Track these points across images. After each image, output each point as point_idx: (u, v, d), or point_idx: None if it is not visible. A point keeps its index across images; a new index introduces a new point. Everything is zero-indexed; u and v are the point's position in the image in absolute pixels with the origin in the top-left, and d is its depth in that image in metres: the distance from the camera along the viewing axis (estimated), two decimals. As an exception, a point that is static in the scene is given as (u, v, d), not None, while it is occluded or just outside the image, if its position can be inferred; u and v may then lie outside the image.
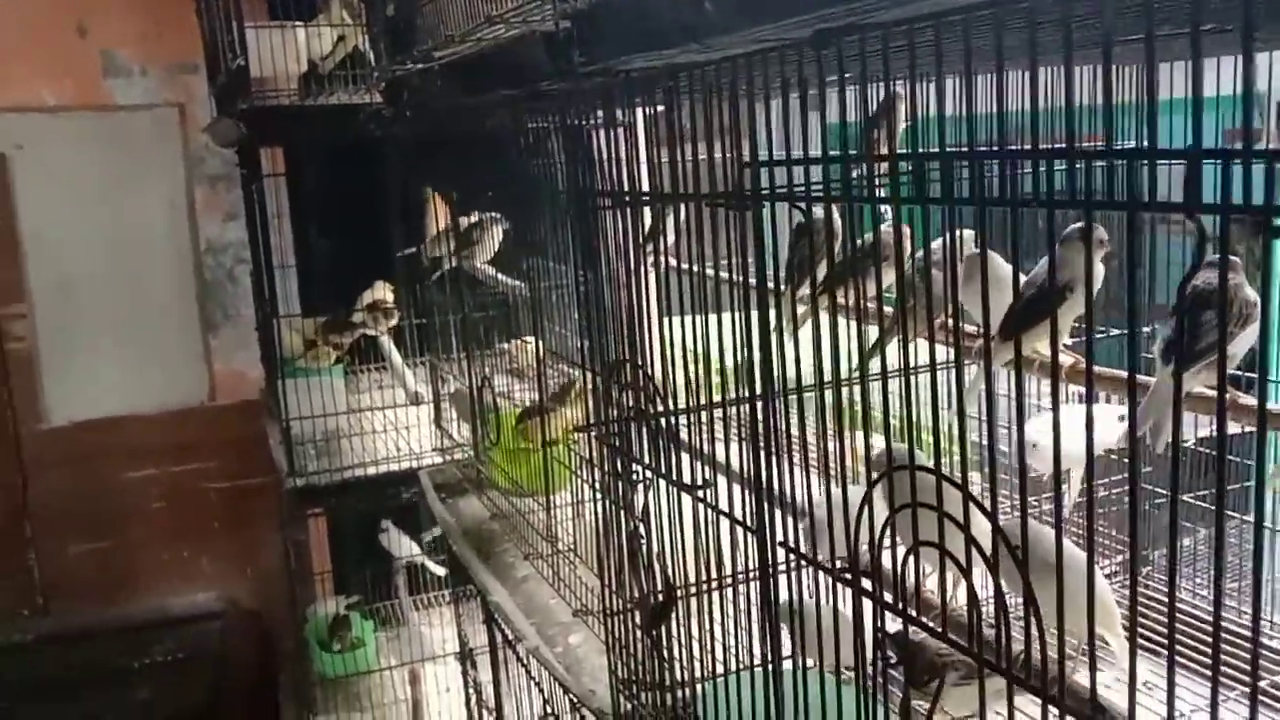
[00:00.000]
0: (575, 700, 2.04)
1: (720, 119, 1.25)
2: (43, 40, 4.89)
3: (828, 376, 1.26)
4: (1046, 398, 2.10)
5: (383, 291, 4.34)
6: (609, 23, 1.60)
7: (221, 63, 3.93)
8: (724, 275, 1.64)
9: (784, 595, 1.31)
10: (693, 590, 1.55)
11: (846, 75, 1.16)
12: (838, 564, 1.09)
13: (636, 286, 1.79)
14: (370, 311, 4.32)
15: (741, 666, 1.49)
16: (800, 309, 1.79)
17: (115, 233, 5.10)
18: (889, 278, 1.82)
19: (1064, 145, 0.84)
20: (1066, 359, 1.74)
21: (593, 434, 1.80)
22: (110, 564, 5.22)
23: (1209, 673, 1.21)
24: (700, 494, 1.37)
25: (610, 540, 1.75)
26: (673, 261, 2.63)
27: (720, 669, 1.52)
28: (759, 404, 1.22)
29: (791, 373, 1.29)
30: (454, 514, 3.06)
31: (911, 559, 0.98)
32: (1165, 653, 1.63)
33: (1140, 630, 1.73)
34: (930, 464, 1.03)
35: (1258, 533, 0.90)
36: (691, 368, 1.65)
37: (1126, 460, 2.05)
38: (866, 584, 1.04)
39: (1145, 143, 0.88)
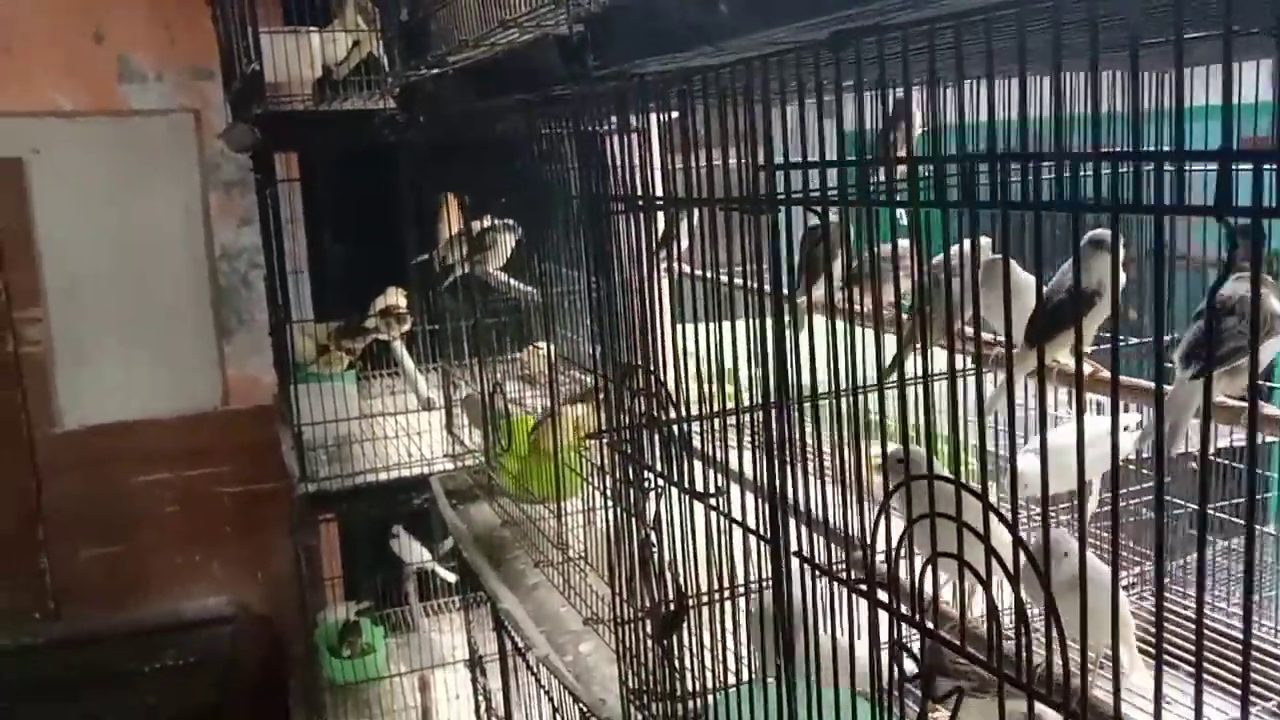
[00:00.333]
0: (585, 709, 2.02)
1: (735, 123, 1.23)
2: (59, 45, 4.92)
3: (842, 384, 1.25)
4: (1063, 406, 2.08)
5: (395, 297, 4.34)
6: (623, 26, 1.59)
7: (236, 68, 3.93)
8: (739, 282, 1.63)
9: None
10: (705, 599, 1.53)
11: (864, 80, 1.14)
12: (853, 574, 1.07)
13: (649, 292, 1.77)
14: (383, 317, 4.32)
15: (754, 677, 1.47)
16: (809, 314, 1.77)
17: (130, 237, 5.12)
18: (905, 284, 1.80)
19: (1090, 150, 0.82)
20: (1086, 367, 1.71)
21: (604, 441, 1.78)
22: (122, 568, 5.23)
23: (1226, 686, 1.19)
24: (713, 502, 1.36)
25: (621, 548, 1.74)
26: (686, 268, 2.62)
27: (733, 680, 1.50)
28: (773, 411, 1.20)
29: (806, 379, 1.27)
30: (465, 520, 3.05)
31: (929, 570, 0.96)
32: (1182, 666, 1.60)
33: (1167, 645, 1.70)
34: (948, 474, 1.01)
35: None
36: (705, 374, 1.64)
37: (1143, 471, 2.03)
38: (883, 595, 1.02)
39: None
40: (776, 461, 1.19)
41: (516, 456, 2.83)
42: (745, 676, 1.49)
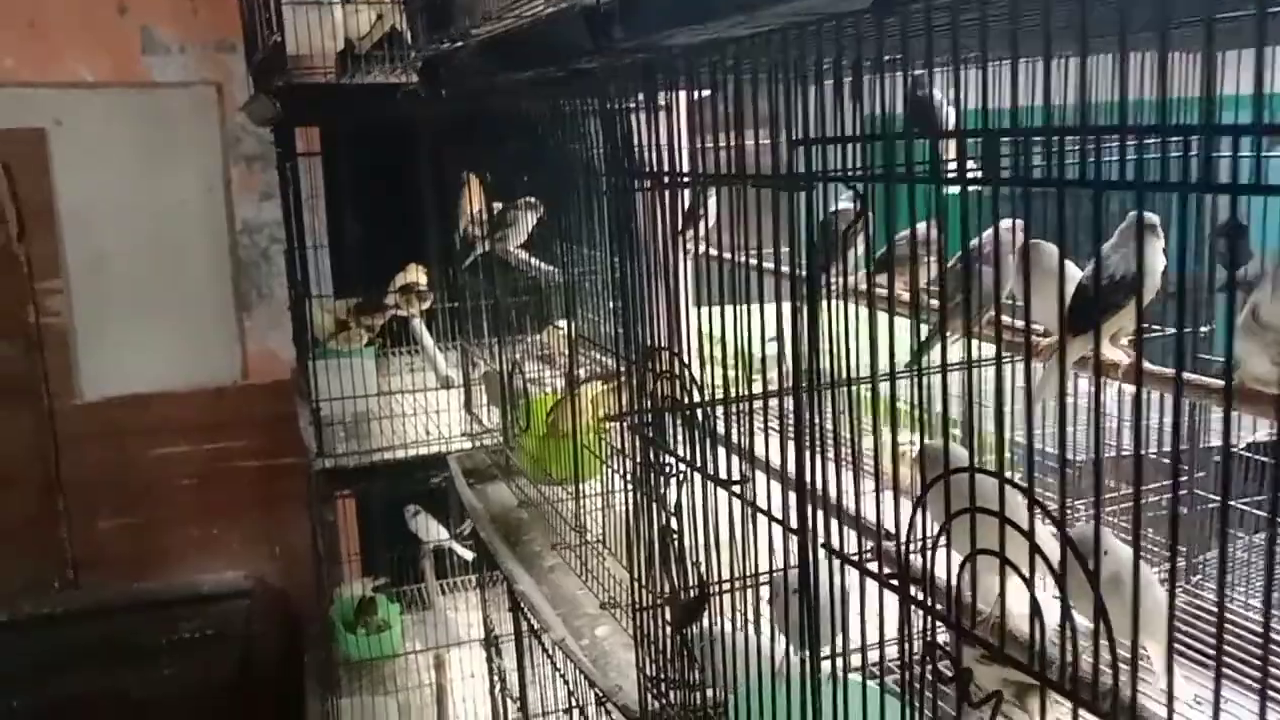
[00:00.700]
0: (601, 694, 2.00)
1: (771, 97, 1.19)
2: (83, 16, 4.89)
3: (865, 370, 1.20)
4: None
5: (415, 274, 4.31)
6: (652, -4, 1.54)
7: (259, 40, 3.90)
8: (768, 264, 1.58)
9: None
10: (727, 588, 1.49)
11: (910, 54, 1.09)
12: (885, 569, 1.03)
13: (673, 272, 1.73)
14: (403, 294, 4.30)
15: (776, 669, 1.44)
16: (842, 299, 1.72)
17: (151, 210, 5.11)
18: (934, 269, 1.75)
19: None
20: (1120, 356, 1.66)
21: (625, 424, 1.75)
22: (140, 539, 5.24)
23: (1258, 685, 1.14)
24: (737, 490, 1.32)
25: (640, 533, 1.70)
26: (712, 250, 2.58)
27: (754, 670, 1.47)
28: (802, 396, 1.15)
29: (834, 364, 1.23)
30: (482, 500, 3.02)
31: (967, 567, 0.92)
32: (1212, 665, 1.55)
33: (1191, 641, 1.66)
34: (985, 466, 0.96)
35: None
36: (730, 358, 1.60)
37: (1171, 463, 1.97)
38: (916, 592, 0.98)
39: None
40: (805, 449, 1.14)
41: (534, 437, 2.80)
42: (767, 667, 1.45)
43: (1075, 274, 1.64)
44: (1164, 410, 1.73)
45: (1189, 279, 1.70)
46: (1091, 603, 0.92)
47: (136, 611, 5.04)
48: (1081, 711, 0.86)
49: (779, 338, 1.45)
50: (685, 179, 1.56)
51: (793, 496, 1.19)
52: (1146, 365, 1.41)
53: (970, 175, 1.15)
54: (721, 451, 1.43)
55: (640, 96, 1.80)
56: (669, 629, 1.60)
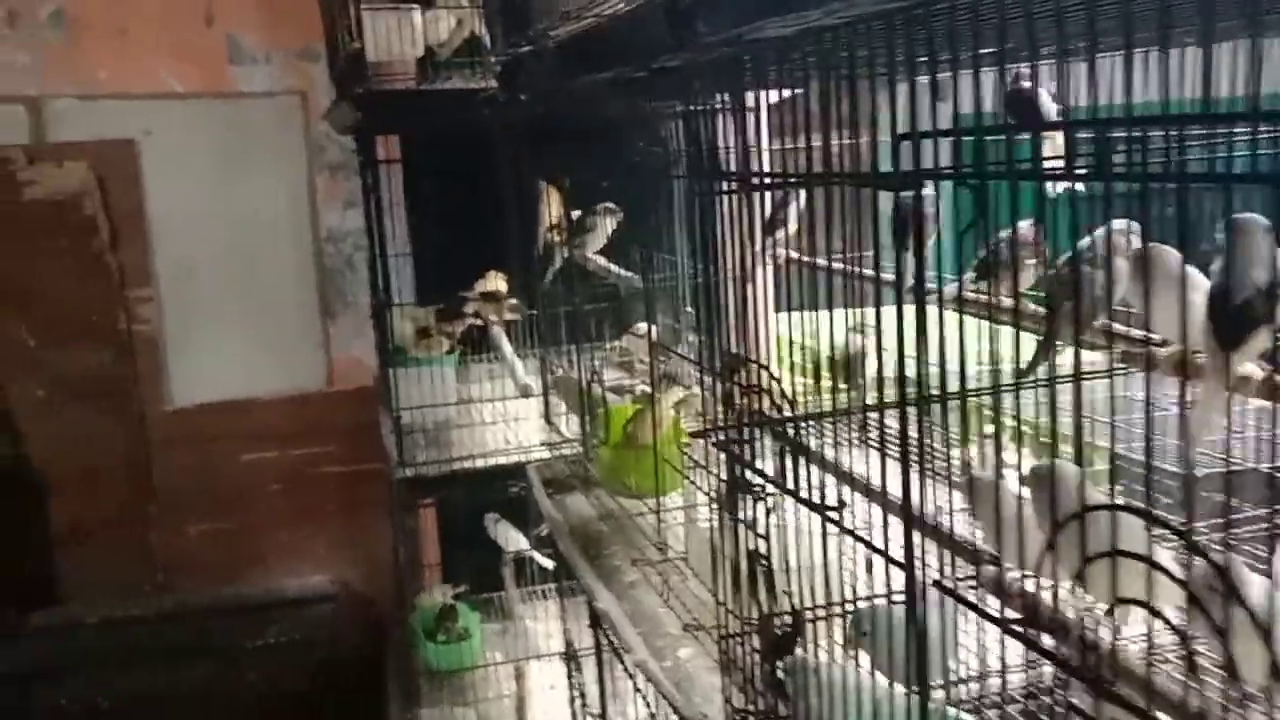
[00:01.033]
0: (684, 720, 1.91)
1: (872, 90, 1.09)
2: (171, 28, 4.98)
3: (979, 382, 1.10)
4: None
5: (495, 281, 4.28)
6: (737, -15, 1.45)
7: (340, 47, 3.91)
8: (854, 268, 1.48)
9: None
10: (822, 616, 1.39)
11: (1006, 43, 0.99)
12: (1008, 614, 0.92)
13: (758, 279, 1.64)
14: (484, 301, 4.27)
15: (878, 707, 1.33)
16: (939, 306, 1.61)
17: (237, 218, 5.17)
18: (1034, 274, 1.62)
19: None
20: (1253, 369, 1.52)
21: (710, 441, 1.66)
22: (228, 544, 5.31)
23: None
24: (835, 516, 1.22)
25: (725, 555, 1.61)
26: (794, 254, 2.48)
27: (853, 708, 1.36)
28: (909, 412, 1.05)
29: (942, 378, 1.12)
30: (561, 511, 2.96)
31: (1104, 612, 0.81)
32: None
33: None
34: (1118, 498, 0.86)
35: None
36: (814, 367, 1.50)
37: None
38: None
39: None
40: (913, 472, 1.04)
41: (613, 448, 2.73)
42: (868, 704, 1.35)
43: (1200, 282, 1.50)
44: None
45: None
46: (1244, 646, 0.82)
47: (224, 615, 5.10)
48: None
49: (862, 330, 1.34)
50: (774, 180, 1.46)
51: (894, 522, 1.10)
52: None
53: (1083, 170, 1.05)
54: (814, 470, 1.34)
55: (724, 96, 1.72)
56: (757, 657, 1.51)
